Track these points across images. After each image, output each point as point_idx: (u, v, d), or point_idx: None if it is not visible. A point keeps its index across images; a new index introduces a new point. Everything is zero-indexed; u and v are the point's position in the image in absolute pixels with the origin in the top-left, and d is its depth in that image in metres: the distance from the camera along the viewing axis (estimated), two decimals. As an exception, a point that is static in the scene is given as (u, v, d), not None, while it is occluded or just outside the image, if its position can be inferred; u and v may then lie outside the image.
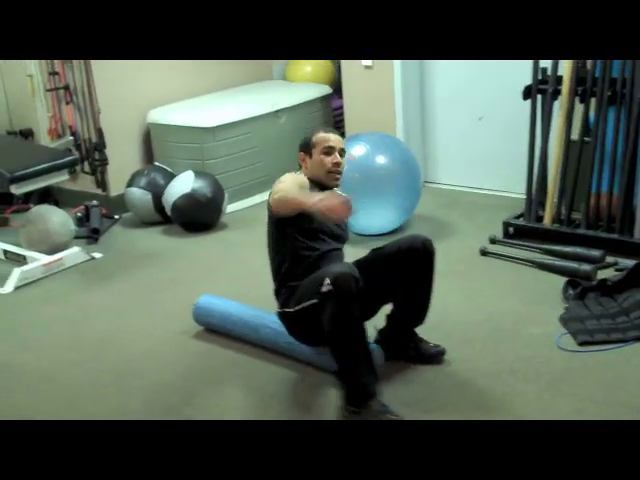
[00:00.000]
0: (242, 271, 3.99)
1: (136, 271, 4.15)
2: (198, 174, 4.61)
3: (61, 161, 3.95)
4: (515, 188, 4.80)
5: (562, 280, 3.54)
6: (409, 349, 2.96)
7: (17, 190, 3.83)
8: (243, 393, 2.89)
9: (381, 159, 4.23)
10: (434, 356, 2.96)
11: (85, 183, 5.07)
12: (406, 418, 2.55)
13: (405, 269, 2.86)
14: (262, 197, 5.09)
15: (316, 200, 2.51)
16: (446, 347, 2.98)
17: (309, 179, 2.88)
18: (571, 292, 3.46)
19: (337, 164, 2.88)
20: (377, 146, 4.30)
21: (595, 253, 3.78)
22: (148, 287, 3.92)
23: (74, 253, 4.26)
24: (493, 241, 4.15)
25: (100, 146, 4.87)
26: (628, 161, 3.79)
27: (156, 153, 5.11)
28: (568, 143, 4.01)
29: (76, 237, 4.50)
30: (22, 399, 2.94)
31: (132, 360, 3.18)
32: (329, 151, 2.87)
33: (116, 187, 5.03)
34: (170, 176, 4.79)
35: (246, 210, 4.99)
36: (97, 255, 4.37)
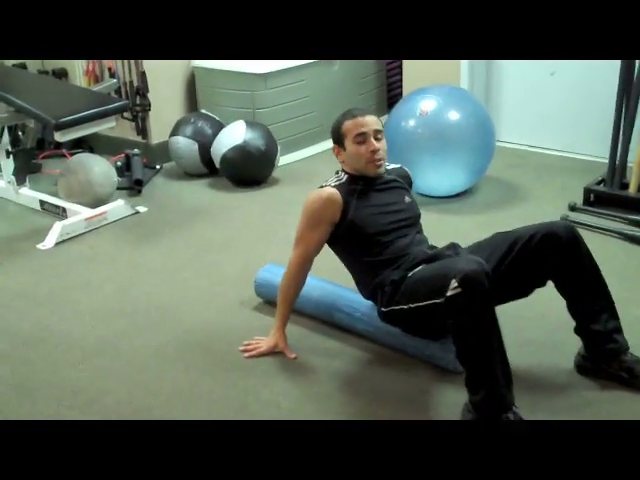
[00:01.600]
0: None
1: (185, 228, 3.83)
2: (250, 124, 4.27)
3: (111, 106, 3.60)
4: (590, 150, 4.48)
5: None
6: (619, 370, 2.45)
7: (62, 137, 3.49)
8: (326, 378, 2.59)
9: (454, 115, 3.88)
10: None
11: (124, 130, 4.72)
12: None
13: (546, 261, 2.42)
14: (315, 149, 4.81)
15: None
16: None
17: (350, 175, 2.61)
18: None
19: (374, 151, 2.55)
20: (449, 101, 3.95)
21: (685, 224, 3.46)
22: (200, 247, 3.61)
23: (118, 206, 3.95)
24: (573, 208, 3.83)
25: (143, 90, 4.52)
26: None
27: (200, 100, 4.76)
28: (663, 104, 3.67)
29: (118, 188, 4.18)
30: (84, 375, 2.65)
31: (193, 331, 2.87)
32: (362, 139, 2.55)
33: (157, 135, 4.70)
34: (219, 125, 4.45)
35: (298, 163, 4.68)
36: (141, 209, 4.06)
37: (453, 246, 2.58)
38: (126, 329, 2.91)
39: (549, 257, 2.40)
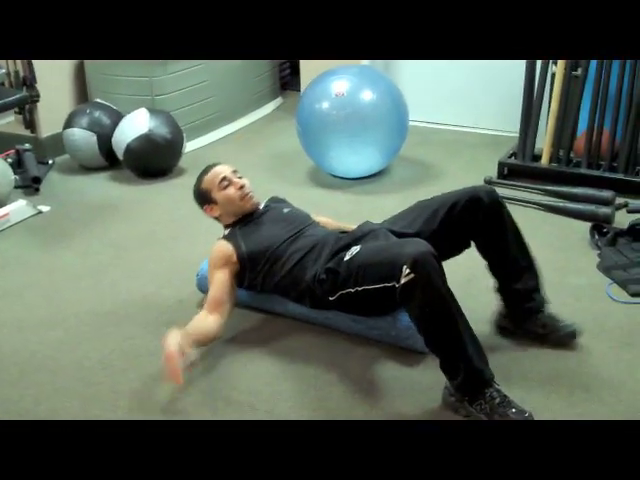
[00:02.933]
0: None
1: (97, 226, 3.59)
2: (153, 112, 4.06)
3: (10, 99, 3.31)
4: (493, 124, 4.57)
5: (578, 224, 3.35)
6: (535, 326, 2.54)
7: (-44, 135, 3.17)
8: (297, 376, 2.49)
9: (368, 95, 3.83)
10: (562, 338, 2.53)
11: (8, 123, 4.37)
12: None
13: (471, 224, 2.49)
14: (217, 134, 4.66)
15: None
16: (485, 303, 2.64)
17: (228, 225, 2.73)
18: (597, 237, 3.26)
19: (242, 187, 2.69)
20: (362, 80, 3.90)
21: (606, 194, 3.58)
22: (119, 245, 3.39)
23: (20, 207, 3.65)
24: (489, 182, 3.88)
25: (30, 80, 4.18)
26: (636, 96, 3.59)
27: (92, 89, 4.47)
28: (569, 77, 3.76)
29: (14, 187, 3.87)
30: (28, 394, 2.41)
31: (136, 337, 2.68)
32: (227, 182, 2.69)
33: (47, 128, 4.38)
34: (116, 115, 4.20)
35: (202, 150, 4.50)
36: (44, 208, 3.77)
37: (368, 223, 2.65)
38: (62, 340, 2.69)
39: (473, 221, 2.47)
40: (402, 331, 2.50)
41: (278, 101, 5.40)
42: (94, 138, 4.11)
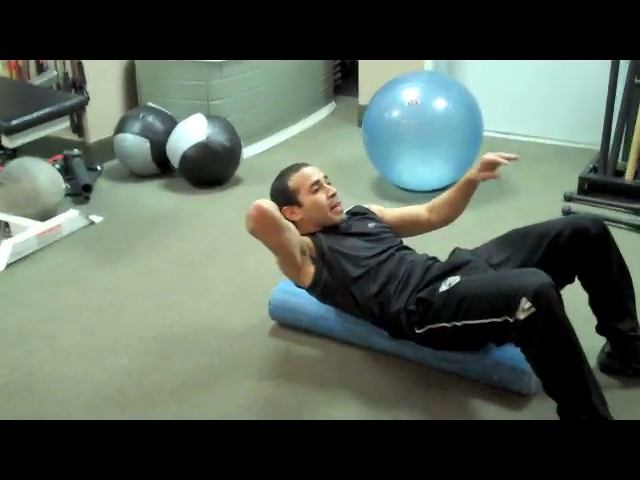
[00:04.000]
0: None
1: (155, 239, 3.37)
2: (210, 118, 3.83)
3: (67, 104, 3.10)
4: (563, 135, 4.34)
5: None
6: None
7: (12, 143, 2.96)
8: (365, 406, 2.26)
9: (441, 103, 3.59)
10: None
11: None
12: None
13: (576, 257, 2.26)
14: (270, 142, 4.42)
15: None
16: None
17: (309, 234, 2.44)
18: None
19: (333, 195, 2.45)
20: (433, 88, 3.67)
21: (697, 214, 3.33)
22: (182, 261, 3.17)
23: (72, 218, 3.43)
24: (569, 198, 3.64)
25: (80, 82, 3.98)
26: None
27: (143, 93, 4.25)
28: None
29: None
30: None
31: (214, 367, 2.47)
32: (318, 187, 2.43)
33: (95, 132, 4.17)
34: (170, 120, 3.98)
35: (257, 158, 4.27)
36: (96, 219, 3.55)
37: (461, 251, 2.43)
38: (128, 369, 2.47)
39: (579, 253, 2.25)
40: (507, 375, 2.26)
41: (332, 106, 5.17)
42: (147, 144, 3.89)
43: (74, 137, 4.15)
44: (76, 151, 3.91)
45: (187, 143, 3.74)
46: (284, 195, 2.45)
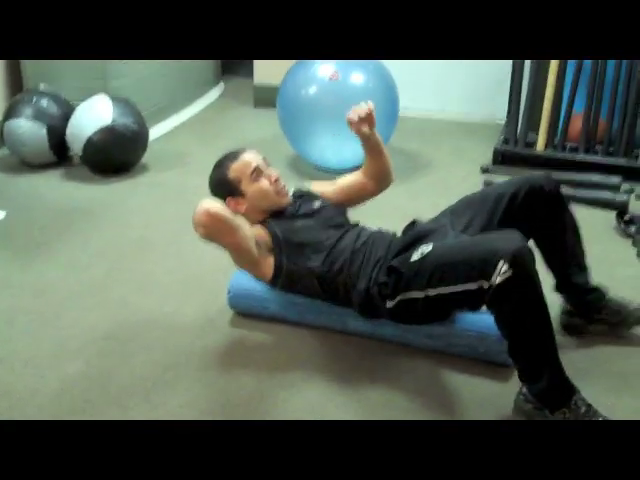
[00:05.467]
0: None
1: (74, 234, 3.09)
2: (115, 99, 3.57)
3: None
4: (464, 109, 4.41)
5: (597, 212, 3.23)
6: (607, 315, 2.38)
7: None
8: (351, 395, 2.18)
9: (358, 78, 3.53)
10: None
11: None
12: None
13: (532, 217, 2.28)
14: (171, 124, 4.22)
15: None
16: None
17: (259, 222, 2.35)
18: (621, 225, 3.14)
19: (277, 180, 2.36)
20: (347, 63, 3.59)
21: (615, 180, 3.48)
22: (111, 256, 2.92)
23: (-25, 214, 3.10)
24: (485, 170, 3.70)
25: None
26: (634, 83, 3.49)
27: (29, 75, 3.90)
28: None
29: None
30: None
31: (182, 367, 2.29)
32: (258, 173, 2.33)
33: (-24, 119, 3.79)
34: (65, 104, 3.69)
35: (159, 141, 4.03)
36: (-1, 214, 3.23)
37: (420, 222, 2.41)
38: (87, 375, 2.24)
39: (536, 211, 2.28)
40: (494, 345, 2.24)
41: (221, 87, 4.99)
42: (43, 130, 3.58)
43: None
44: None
45: (92, 127, 3.47)
46: (225, 187, 2.34)
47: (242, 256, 2.27)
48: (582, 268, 2.36)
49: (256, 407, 2.09)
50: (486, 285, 1.91)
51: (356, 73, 3.52)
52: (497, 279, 1.88)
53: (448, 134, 4.26)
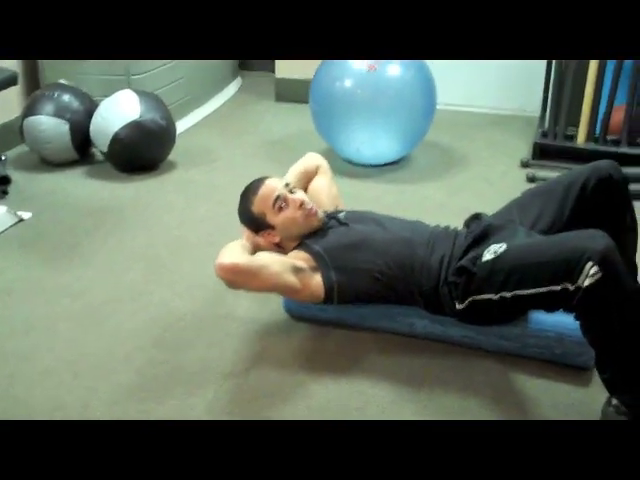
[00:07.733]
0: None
1: (104, 233, 2.94)
2: (141, 94, 3.42)
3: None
4: (489, 103, 4.29)
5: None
6: None
7: None
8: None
9: (394, 70, 3.39)
10: None
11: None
12: None
13: (603, 207, 2.15)
14: (193, 119, 4.10)
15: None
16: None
17: (296, 247, 2.26)
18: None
19: (302, 203, 2.21)
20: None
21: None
22: (149, 257, 2.76)
23: (1, 215, 2.94)
24: (525, 164, 3.58)
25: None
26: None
27: (46, 69, 3.74)
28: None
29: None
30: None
31: (254, 372, 2.15)
32: (281, 202, 2.20)
33: (-7, 115, 3.63)
34: (87, 99, 3.52)
35: (183, 137, 3.87)
36: (24, 215, 3.06)
37: (484, 216, 2.30)
38: (142, 387, 2.09)
39: (605, 201, 2.15)
40: (572, 347, 2.11)
41: (238, 82, 4.85)
42: (66, 127, 3.42)
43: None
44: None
45: (118, 123, 3.31)
46: (253, 222, 2.25)
47: (280, 291, 2.18)
48: (632, 266, 2.22)
49: (332, 417, 1.95)
50: (571, 287, 1.78)
51: (393, 64, 3.37)
52: (586, 281, 1.75)
53: (479, 127, 4.13)
